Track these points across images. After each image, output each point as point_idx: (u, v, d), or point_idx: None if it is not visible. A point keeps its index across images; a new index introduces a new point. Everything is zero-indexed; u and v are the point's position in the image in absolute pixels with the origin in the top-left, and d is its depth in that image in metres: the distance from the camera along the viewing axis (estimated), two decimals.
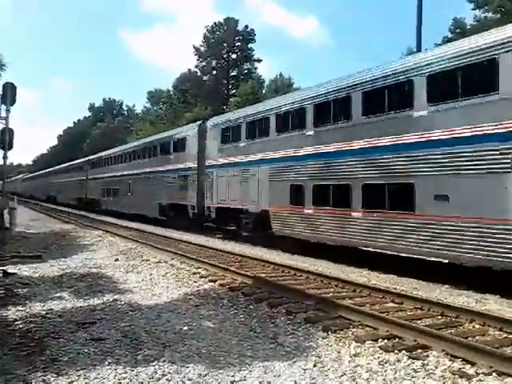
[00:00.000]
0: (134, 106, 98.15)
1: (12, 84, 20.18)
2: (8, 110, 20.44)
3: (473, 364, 5.32)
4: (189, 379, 4.89)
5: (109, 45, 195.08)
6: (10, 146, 20.70)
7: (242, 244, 17.66)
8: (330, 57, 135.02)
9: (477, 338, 6.36)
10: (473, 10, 34.84)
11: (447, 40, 33.02)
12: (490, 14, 33.64)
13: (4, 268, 10.81)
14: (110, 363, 5.22)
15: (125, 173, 32.68)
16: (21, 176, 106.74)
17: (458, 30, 35.71)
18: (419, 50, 19.13)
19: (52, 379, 4.78)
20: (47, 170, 71.14)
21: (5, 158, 20.86)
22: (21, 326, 6.58)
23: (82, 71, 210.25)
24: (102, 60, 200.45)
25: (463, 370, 5.20)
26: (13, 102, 20.53)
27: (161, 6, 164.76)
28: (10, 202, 22.40)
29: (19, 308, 7.54)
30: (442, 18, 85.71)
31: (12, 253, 13.46)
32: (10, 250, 14.06)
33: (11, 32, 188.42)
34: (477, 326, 6.96)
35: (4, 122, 20.29)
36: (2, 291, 8.63)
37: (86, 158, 46.95)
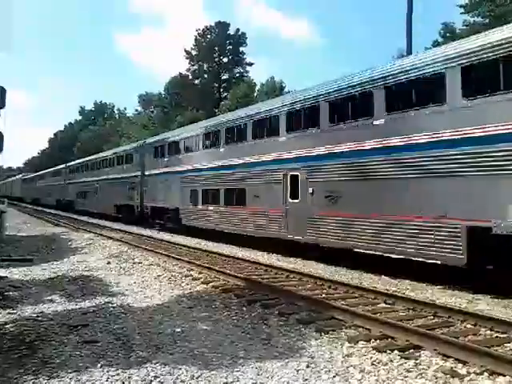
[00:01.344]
0: (125, 109, 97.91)
1: (1, 87, 20.09)
2: None
3: (465, 363, 5.35)
4: (181, 381, 4.87)
5: (100, 48, 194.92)
6: (0, 149, 20.59)
7: (234, 246, 17.63)
8: (321, 59, 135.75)
9: (469, 337, 6.40)
10: (462, 14, 35.18)
11: (437, 44, 33.30)
12: (479, 19, 33.96)
13: None
14: (102, 366, 5.19)
15: (272, 157, 15.70)
16: (19, 176, 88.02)
17: (448, 35, 36.01)
18: (409, 52, 19.27)
19: (44, 382, 4.75)
20: (60, 166, 54.81)
21: None
22: (12, 329, 6.52)
23: (73, 74, 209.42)
24: (93, 63, 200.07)
25: (455, 369, 5.23)
26: (2, 105, 20.33)
27: (150, 7, 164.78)
28: (1, 206, 22.22)
29: (10, 311, 7.47)
30: (433, 22, 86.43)
31: (2, 256, 13.34)
32: (0, 254, 13.94)
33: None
34: (468, 326, 7.00)
35: None
36: None
37: (140, 142, 30.17)
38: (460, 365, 5.35)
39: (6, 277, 10.39)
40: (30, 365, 5.17)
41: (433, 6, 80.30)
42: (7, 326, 6.63)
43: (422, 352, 5.77)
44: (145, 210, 26.75)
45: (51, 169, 60.46)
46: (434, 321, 7.34)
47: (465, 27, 34.38)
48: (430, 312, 7.66)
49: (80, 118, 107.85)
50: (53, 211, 45.30)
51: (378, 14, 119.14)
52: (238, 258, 13.87)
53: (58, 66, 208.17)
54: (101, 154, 40.25)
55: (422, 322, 7.24)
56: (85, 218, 34.46)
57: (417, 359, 5.52)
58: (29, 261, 12.88)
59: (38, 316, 7.21)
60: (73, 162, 49.76)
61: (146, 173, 26.94)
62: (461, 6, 34.88)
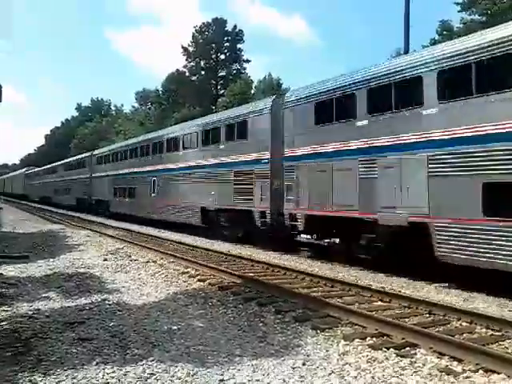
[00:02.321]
0: (122, 105, 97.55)
1: None
2: None
3: (460, 361, 5.36)
4: (178, 378, 4.86)
5: (95, 45, 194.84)
6: None
7: (230, 244, 17.62)
8: (318, 57, 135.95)
9: (464, 335, 6.42)
10: (459, 12, 35.22)
11: (434, 42, 33.35)
12: (476, 17, 34.02)
13: None
14: (98, 363, 5.18)
15: None
16: (22, 171, 76.53)
17: (445, 32, 36.04)
18: (407, 51, 19.28)
19: (39, 379, 4.72)
20: (82, 155, 43.39)
21: None
22: (7, 326, 6.50)
23: (69, 71, 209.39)
24: (89, 60, 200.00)
25: (450, 367, 5.25)
26: None
27: (147, 6, 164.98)
28: None
29: (5, 308, 7.45)
30: (430, 21, 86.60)
31: None
32: None
33: None
34: (464, 324, 7.02)
35: None
36: None
37: (270, 99, 17.44)
38: (455, 363, 5.36)
39: (2, 274, 10.36)
40: (25, 362, 5.15)
41: (431, 4, 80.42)
42: (2, 324, 6.61)
43: (418, 350, 5.77)
44: (288, 220, 14.82)
45: (66, 160, 49.94)
46: (429, 319, 7.35)
47: (462, 25, 34.43)
48: (426, 310, 7.68)
49: (77, 114, 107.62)
50: (78, 214, 35.01)
51: (375, 12, 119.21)
52: (234, 256, 13.87)
53: (54, 65, 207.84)
54: (163, 132, 26.56)
55: (417, 319, 7.26)
56: (82, 215, 34.20)
57: (412, 357, 5.53)
58: (25, 258, 12.84)
59: (33, 313, 7.19)
60: (103, 149, 37.90)
61: (291, 152, 14.80)
62: (457, 4, 34.95)
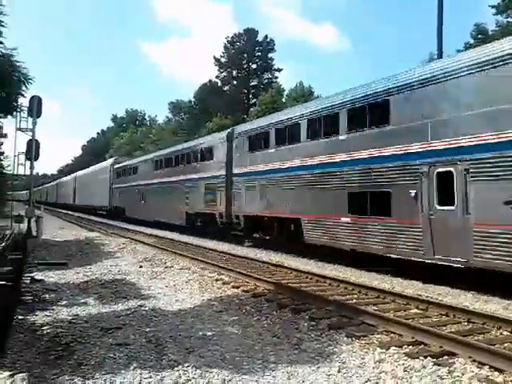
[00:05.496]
0: (156, 116, 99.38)
1: (38, 97, 20.91)
2: (34, 122, 21.11)
3: (501, 371, 5.21)
4: None
5: (130, 57, 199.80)
6: (36, 157, 21.39)
7: (264, 251, 17.63)
8: (350, 65, 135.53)
9: (505, 345, 6.23)
10: (494, 15, 34.46)
11: (469, 46, 32.69)
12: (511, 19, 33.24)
13: (32, 275, 11.04)
14: (135, 368, 5.27)
15: None
16: (105, 164, 44.99)
17: (479, 36, 35.29)
18: (440, 56, 18.94)
19: (79, 383, 4.85)
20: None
21: (31, 168, 21.53)
22: (48, 330, 6.70)
23: (105, 83, 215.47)
24: (125, 72, 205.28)
25: (491, 377, 5.11)
26: (39, 114, 21.28)
27: (179, 18, 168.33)
28: (37, 211, 22.92)
29: (46, 313, 7.69)
30: (464, 24, 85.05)
31: (39, 260, 13.74)
32: (37, 258, 14.36)
33: (37, 44, 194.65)
34: (504, 333, 6.82)
35: (31, 133, 21.01)
36: (30, 297, 8.81)
37: None
38: (496, 373, 5.21)
39: (43, 280, 10.68)
40: (66, 366, 5.30)
41: (465, 7, 78.98)
42: (44, 328, 6.82)
43: (456, 359, 5.64)
44: None
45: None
46: (468, 327, 7.18)
47: (498, 28, 33.66)
48: (464, 318, 7.50)
49: (112, 125, 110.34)
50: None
51: (407, 19, 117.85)
52: (266, 263, 13.88)
53: (90, 77, 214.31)
54: None
55: (455, 328, 7.10)
56: (117, 223, 34.83)
57: (451, 366, 5.40)
58: (64, 264, 13.20)
59: (73, 318, 7.39)
60: None
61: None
62: (493, 7, 34.22)
